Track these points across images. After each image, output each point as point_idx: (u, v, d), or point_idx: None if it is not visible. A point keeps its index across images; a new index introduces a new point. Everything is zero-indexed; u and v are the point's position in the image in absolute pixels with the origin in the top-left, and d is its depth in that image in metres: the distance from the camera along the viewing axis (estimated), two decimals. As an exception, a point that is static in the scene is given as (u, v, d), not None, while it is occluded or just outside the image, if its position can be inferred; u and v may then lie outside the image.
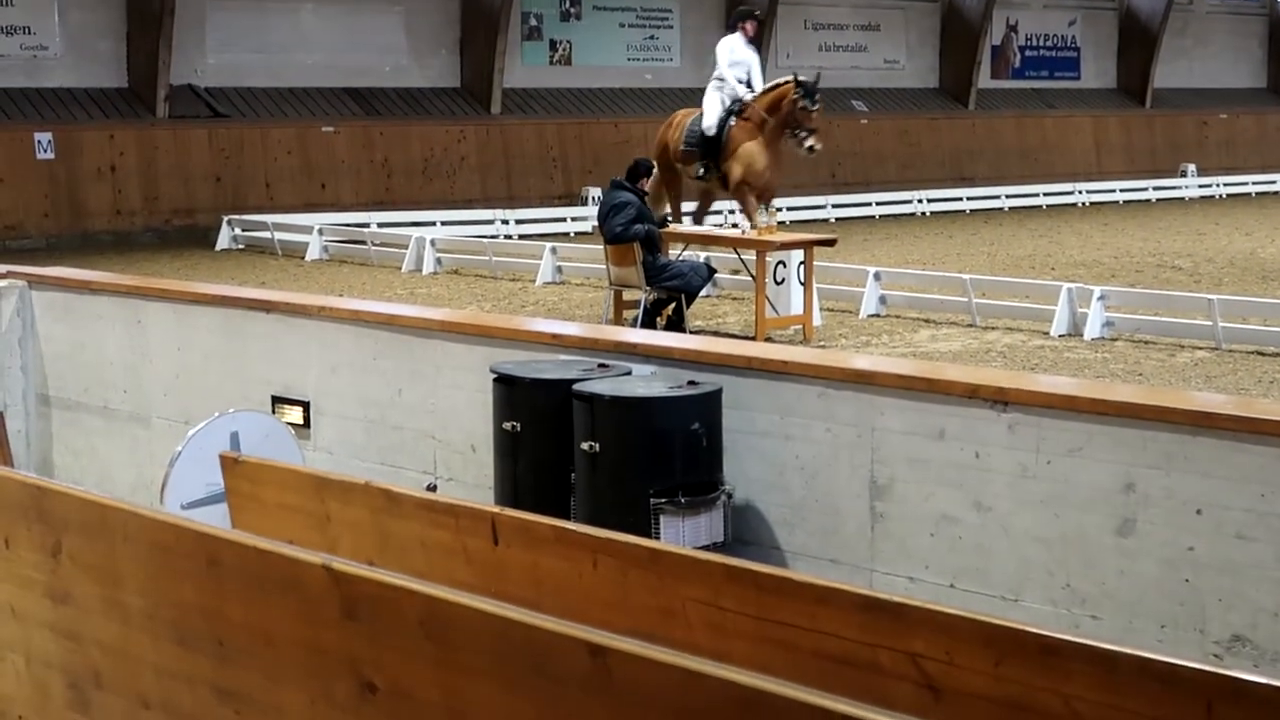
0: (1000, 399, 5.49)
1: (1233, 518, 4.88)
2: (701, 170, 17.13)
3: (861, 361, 6.72)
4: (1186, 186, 36.48)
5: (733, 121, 17.01)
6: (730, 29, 17.91)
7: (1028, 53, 37.59)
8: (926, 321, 15.49)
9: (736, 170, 16.99)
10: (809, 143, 16.87)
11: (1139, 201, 34.52)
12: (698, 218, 18.03)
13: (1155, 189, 35.65)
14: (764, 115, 16.76)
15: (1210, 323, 13.69)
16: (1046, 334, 14.40)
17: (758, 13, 18.84)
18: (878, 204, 31.19)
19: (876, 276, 16.13)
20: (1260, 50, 41.48)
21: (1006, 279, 16.84)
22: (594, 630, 3.15)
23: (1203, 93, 39.67)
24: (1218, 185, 36.58)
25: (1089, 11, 38.30)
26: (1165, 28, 38.02)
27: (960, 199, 32.50)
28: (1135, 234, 26.01)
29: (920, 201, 31.88)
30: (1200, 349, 13.54)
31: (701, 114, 17.29)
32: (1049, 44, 37.90)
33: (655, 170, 16.97)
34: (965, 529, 5.56)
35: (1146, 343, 13.94)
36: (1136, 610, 5.09)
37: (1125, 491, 5.14)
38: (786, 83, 17.13)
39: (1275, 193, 36.74)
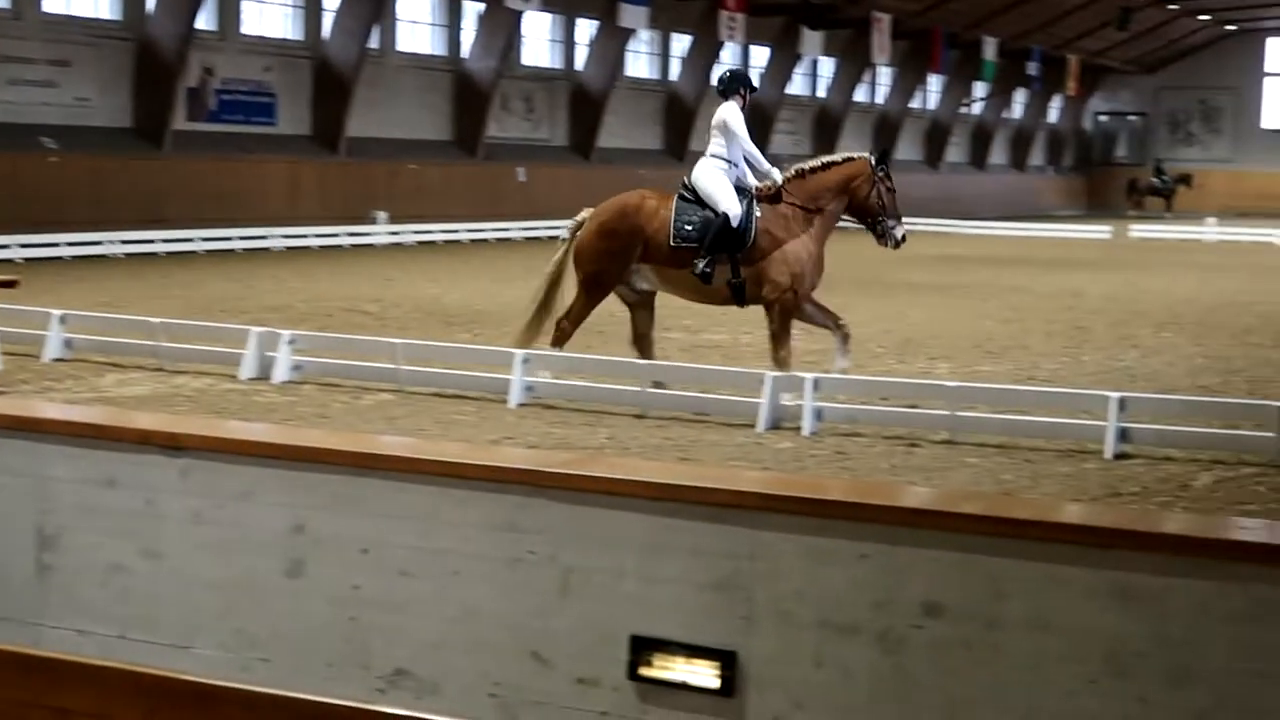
0: (173, 445, 5.42)
1: (397, 555, 5.04)
2: (706, 268, 13.54)
3: (29, 408, 6.45)
4: (378, 233, 37.63)
5: (758, 211, 13.74)
6: (726, 95, 14.15)
7: (224, 97, 37.54)
8: (114, 366, 15.11)
9: (782, 276, 13.70)
10: (900, 233, 14.04)
11: (333, 247, 35.29)
12: (642, 347, 14.29)
13: (349, 235, 36.58)
14: (813, 205, 13.79)
15: (394, 366, 14.14)
16: (236, 378, 14.39)
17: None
18: (68, 244, 30.29)
19: (61, 319, 15.57)
20: (446, 104, 43.38)
21: (197, 322, 16.69)
22: None
23: (394, 143, 41.03)
24: (407, 233, 37.97)
25: (285, 59, 38.75)
26: (359, 78, 39.05)
27: (154, 241, 32.08)
28: (328, 279, 26.54)
29: (113, 243, 31.22)
30: (385, 392, 13.96)
31: (686, 198, 13.81)
32: (246, 89, 37.99)
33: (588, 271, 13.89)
34: (136, 578, 5.45)
35: (334, 386, 14.22)
36: (305, 650, 5.16)
37: (295, 533, 5.20)
38: (852, 159, 14.17)
39: (459, 241, 38.56)
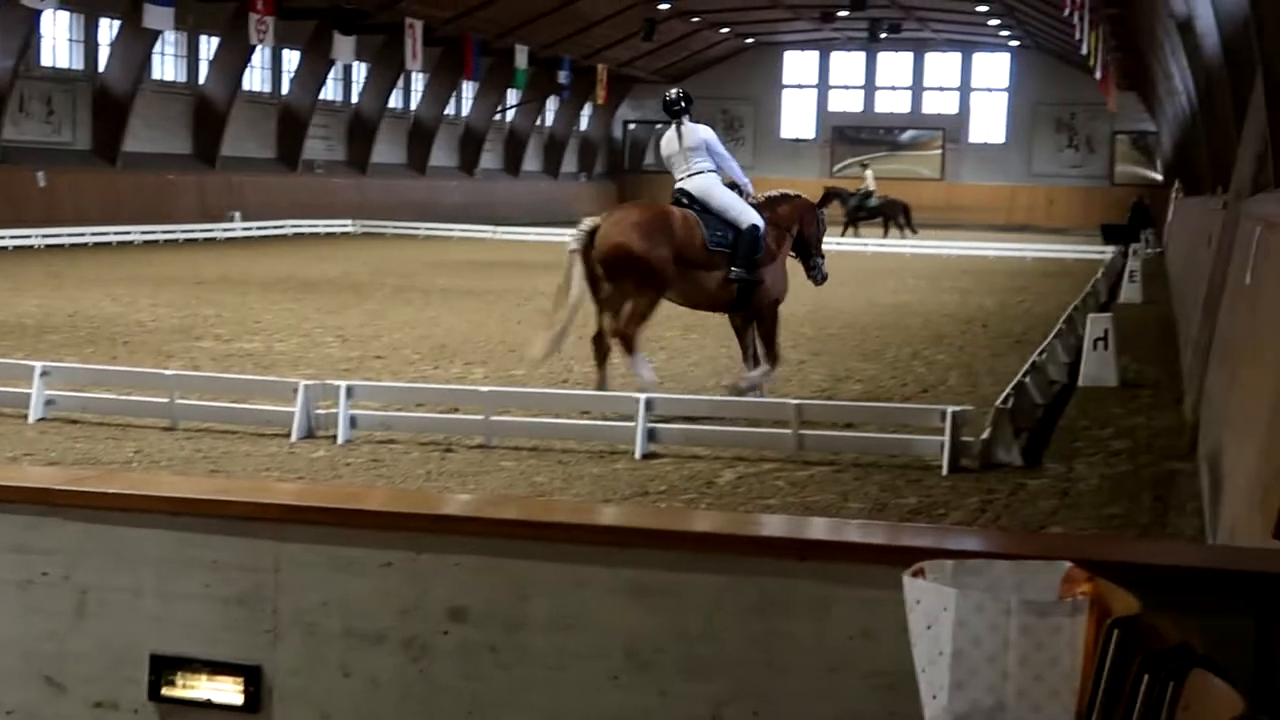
0: None
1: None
2: (746, 275, 14.23)
3: None
4: (-116, 241, 35.43)
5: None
6: (679, 116, 14.57)
7: None
8: None
9: (779, 282, 14.72)
10: (826, 269, 15.58)
11: None
12: (603, 350, 14.19)
13: None
14: (784, 226, 14.92)
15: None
16: None
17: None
18: None
19: None
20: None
21: None
22: None
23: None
24: (-83, 241, 35.87)
25: None
26: None
27: None
28: None
29: None
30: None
31: (703, 205, 14.32)
32: None
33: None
34: None
35: None
36: None
37: None
38: (801, 196, 15.39)
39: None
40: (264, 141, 53.73)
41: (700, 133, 14.60)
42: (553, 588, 4.14)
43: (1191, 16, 18.15)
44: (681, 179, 14.57)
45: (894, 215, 52.62)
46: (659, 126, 13.98)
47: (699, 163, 14.50)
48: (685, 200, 14.45)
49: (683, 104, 14.71)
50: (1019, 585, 3.37)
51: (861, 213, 52.60)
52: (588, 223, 14.34)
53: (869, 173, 55.91)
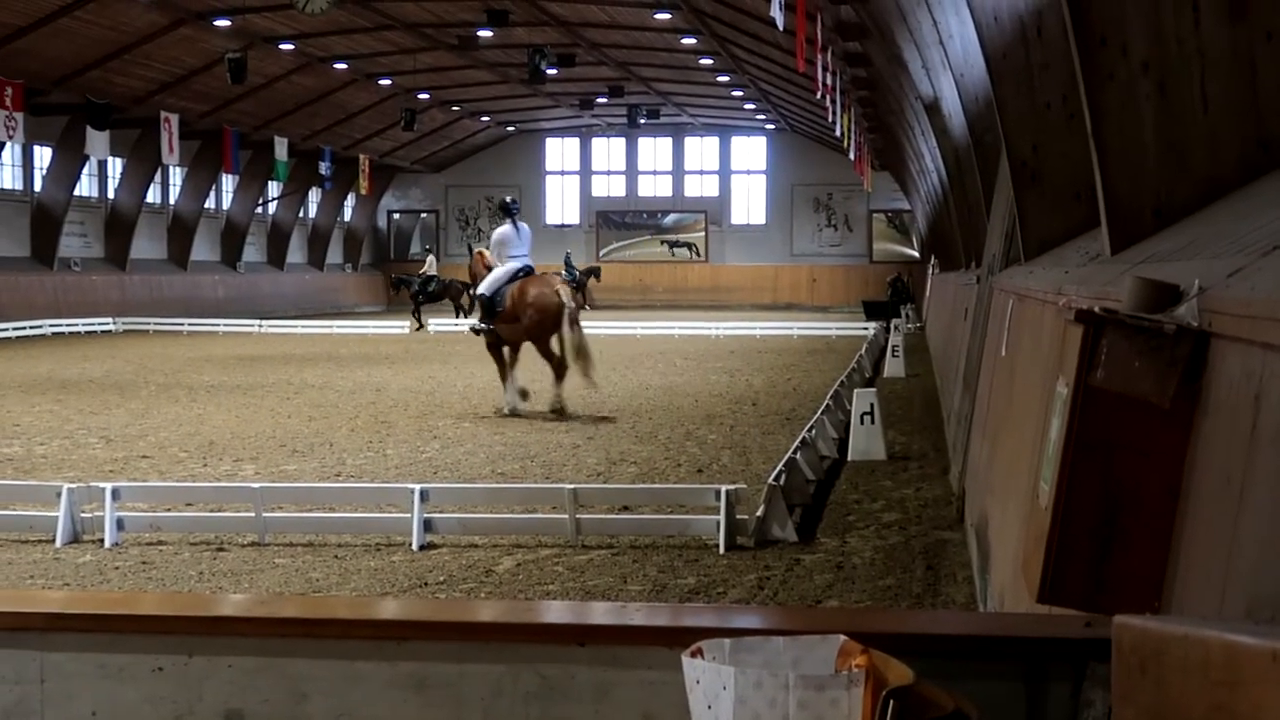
0: None
1: None
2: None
3: None
4: None
5: None
6: (517, 213, 22.43)
7: None
8: None
9: None
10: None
11: None
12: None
13: None
14: None
15: None
16: None
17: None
18: None
19: None
20: None
21: None
22: None
23: None
24: None
25: None
26: None
27: None
28: None
29: None
30: None
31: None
32: None
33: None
34: None
35: None
36: None
37: None
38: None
39: None
40: (17, 240, 52.34)
41: (528, 229, 22.38)
42: (330, 685, 4.07)
43: (937, 98, 18.75)
44: (521, 257, 21.82)
45: (457, 297, 53.99)
46: (501, 226, 22.55)
47: (527, 248, 22.00)
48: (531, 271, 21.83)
49: (518, 205, 22.59)
50: (796, 660, 3.41)
51: (422, 297, 53.81)
52: (564, 289, 21.34)
53: (430, 258, 59.63)
